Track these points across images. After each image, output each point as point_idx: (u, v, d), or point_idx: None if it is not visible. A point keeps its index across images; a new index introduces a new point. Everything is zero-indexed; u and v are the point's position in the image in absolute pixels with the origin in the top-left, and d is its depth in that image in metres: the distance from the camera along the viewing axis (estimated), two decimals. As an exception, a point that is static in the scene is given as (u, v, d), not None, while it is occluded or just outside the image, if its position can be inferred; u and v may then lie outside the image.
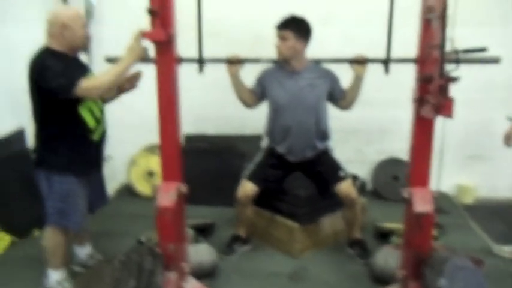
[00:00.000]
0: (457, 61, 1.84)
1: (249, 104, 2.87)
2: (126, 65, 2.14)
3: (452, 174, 4.02)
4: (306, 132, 2.78)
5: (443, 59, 1.73)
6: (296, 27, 2.63)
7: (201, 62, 2.41)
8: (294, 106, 2.73)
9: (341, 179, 2.80)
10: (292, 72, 2.73)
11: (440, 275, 1.91)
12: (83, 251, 2.73)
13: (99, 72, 2.27)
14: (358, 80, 2.65)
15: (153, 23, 2.01)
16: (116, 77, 2.14)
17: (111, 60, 2.32)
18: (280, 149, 2.86)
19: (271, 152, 2.94)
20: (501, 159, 3.87)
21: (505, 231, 3.32)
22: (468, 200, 3.98)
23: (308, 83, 2.72)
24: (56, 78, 2.09)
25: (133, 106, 4.04)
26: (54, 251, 2.42)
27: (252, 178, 2.85)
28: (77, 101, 2.24)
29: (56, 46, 2.23)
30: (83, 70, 2.33)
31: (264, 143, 3.06)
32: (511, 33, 3.59)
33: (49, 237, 2.40)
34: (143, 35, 2.02)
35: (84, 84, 2.11)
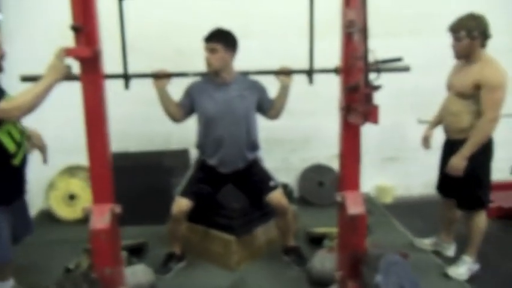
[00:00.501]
0: (378, 70, 1.98)
1: (177, 118, 2.83)
2: (48, 84, 2.02)
3: (372, 176, 4.27)
4: (237, 143, 2.81)
5: (367, 69, 1.85)
6: (224, 39, 2.67)
7: (126, 77, 2.36)
8: (225, 117, 2.75)
9: (272, 189, 2.86)
10: (222, 84, 2.76)
11: (376, 271, 2.01)
12: (6, 286, 2.50)
13: (17, 92, 2.12)
14: (284, 90, 2.75)
15: (77, 39, 1.94)
16: (37, 97, 2.01)
17: (27, 78, 2.19)
18: (212, 161, 2.87)
19: (202, 165, 2.93)
20: (414, 160, 4.21)
21: (423, 225, 3.59)
22: (387, 199, 4.26)
23: (237, 94, 2.76)
24: None
25: (47, 127, 3.82)
26: None
27: (185, 194, 2.81)
28: None
29: None
30: None
31: (196, 156, 3.04)
32: (417, 44, 3.91)
33: None
34: (67, 52, 1.93)
35: (3, 106, 1.97)
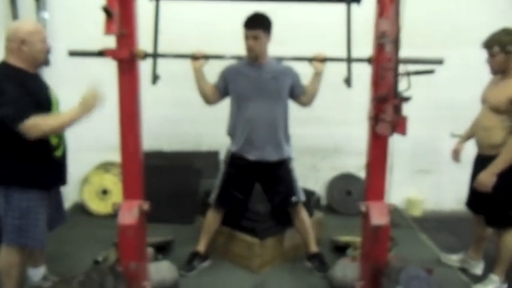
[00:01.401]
0: (408, 74, 1.97)
1: (211, 99, 2.87)
2: (75, 117, 2.18)
3: (401, 188, 4.23)
4: (268, 124, 2.80)
5: (397, 80, 1.85)
6: (265, 25, 2.70)
7: (155, 56, 2.36)
8: (257, 97, 2.77)
9: (292, 204, 2.93)
10: (257, 66, 2.79)
11: (396, 284, 2.00)
12: (38, 273, 2.62)
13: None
14: (317, 76, 2.77)
15: (117, 41, 2.03)
16: (61, 126, 2.22)
17: (74, 53, 2.26)
18: (240, 143, 2.84)
19: (231, 160, 2.93)
20: (446, 174, 4.13)
21: (452, 241, 3.52)
22: (416, 212, 4.19)
23: (271, 75, 2.79)
24: (6, 106, 2.07)
25: (85, 125, 3.96)
26: (9, 272, 2.32)
27: (218, 205, 2.95)
28: None
29: (15, 62, 2.19)
30: (42, 90, 2.31)
31: (224, 155, 3.05)
32: (452, 56, 3.85)
33: (4, 257, 2.31)
34: (107, 53, 2.02)
35: (30, 123, 2.09)
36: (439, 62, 2.27)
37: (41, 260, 2.66)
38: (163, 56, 2.40)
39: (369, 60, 2.25)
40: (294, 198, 2.91)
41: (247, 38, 2.69)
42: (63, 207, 2.67)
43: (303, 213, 2.99)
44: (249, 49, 2.71)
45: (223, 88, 2.87)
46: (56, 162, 2.37)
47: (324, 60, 2.63)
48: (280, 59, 2.76)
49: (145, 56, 2.24)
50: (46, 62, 2.39)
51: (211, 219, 2.99)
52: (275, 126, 2.82)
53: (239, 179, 2.92)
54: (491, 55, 2.57)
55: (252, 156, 2.85)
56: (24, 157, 2.22)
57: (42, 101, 2.24)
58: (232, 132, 2.93)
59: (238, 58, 2.76)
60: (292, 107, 2.93)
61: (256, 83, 2.78)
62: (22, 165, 2.23)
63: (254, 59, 2.76)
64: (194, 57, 2.65)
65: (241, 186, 2.94)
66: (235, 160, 2.91)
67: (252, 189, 3.00)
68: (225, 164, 2.98)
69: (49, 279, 2.65)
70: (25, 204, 2.24)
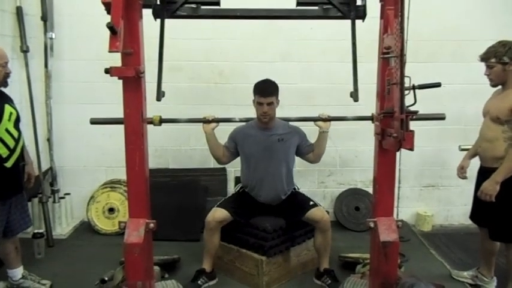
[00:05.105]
0: (413, 88, 1.97)
1: (222, 160, 3.04)
2: None
3: (410, 203, 4.20)
4: (277, 182, 2.96)
5: (403, 95, 1.83)
6: (277, 91, 2.84)
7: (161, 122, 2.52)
8: (266, 160, 2.92)
9: (312, 206, 2.92)
10: (264, 129, 2.92)
11: (407, 301, 1.97)
12: (16, 273, 2.78)
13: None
14: (323, 135, 2.87)
15: (123, 60, 2.04)
16: None
17: (95, 122, 2.53)
18: (252, 194, 3.04)
19: (243, 191, 3.10)
20: (455, 188, 4.09)
21: (462, 257, 3.45)
22: (426, 227, 4.12)
23: (279, 137, 2.92)
24: None
25: (91, 143, 4.00)
26: None
27: (223, 205, 2.93)
28: None
29: None
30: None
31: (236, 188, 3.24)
32: (457, 70, 3.85)
33: None
34: (113, 71, 2.03)
35: None
36: (441, 118, 2.48)
37: (18, 262, 2.80)
38: (176, 121, 2.63)
39: (372, 119, 2.37)
40: (311, 203, 2.95)
41: (261, 104, 2.80)
42: (26, 213, 2.82)
43: (329, 231, 2.97)
44: (264, 114, 2.82)
45: (234, 149, 3.02)
46: (7, 172, 2.50)
47: (327, 119, 2.75)
48: (286, 120, 2.90)
49: (161, 121, 2.33)
50: (4, 84, 2.55)
51: (208, 237, 2.93)
52: (281, 183, 2.98)
53: (248, 203, 3.02)
54: (489, 67, 2.59)
55: (262, 200, 3.02)
56: None
57: None
58: (244, 185, 3.10)
59: (246, 120, 2.88)
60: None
61: (264, 146, 2.91)
62: None
63: (267, 123, 2.87)
64: (206, 121, 2.77)
65: (249, 207, 3.01)
66: (246, 193, 3.07)
67: (259, 213, 3.04)
68: (235, 191, 3.18)
69: (28, 278, 2.79)
70: None
